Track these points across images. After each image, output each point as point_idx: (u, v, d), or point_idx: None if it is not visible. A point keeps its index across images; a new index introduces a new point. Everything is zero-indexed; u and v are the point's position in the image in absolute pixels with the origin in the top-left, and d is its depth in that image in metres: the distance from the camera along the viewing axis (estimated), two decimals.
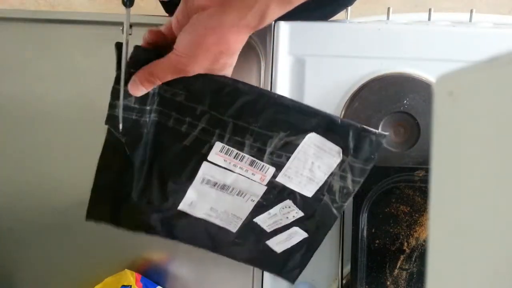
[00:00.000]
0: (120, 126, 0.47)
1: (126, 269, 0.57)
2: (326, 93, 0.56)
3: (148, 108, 0.48)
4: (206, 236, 0.55)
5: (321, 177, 0.50)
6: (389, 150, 0.55)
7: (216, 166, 0.50)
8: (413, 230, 0.53)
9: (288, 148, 0.49)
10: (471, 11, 0.60)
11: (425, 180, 0.52)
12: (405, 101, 0.55)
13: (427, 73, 0.55)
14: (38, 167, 0.59)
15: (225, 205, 0.52)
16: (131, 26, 0.45)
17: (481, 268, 0.20)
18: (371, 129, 0.49)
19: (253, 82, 0.57)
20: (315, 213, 0.52)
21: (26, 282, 0.60)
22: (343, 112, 0.55)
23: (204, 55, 0.43)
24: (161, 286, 0.58)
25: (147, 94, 0.46)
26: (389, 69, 0.55)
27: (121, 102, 0.46)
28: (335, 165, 0.50)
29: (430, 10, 0.61)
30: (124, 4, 0.44)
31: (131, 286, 0.54)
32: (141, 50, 0.46)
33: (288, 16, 0.55)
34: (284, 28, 0.56)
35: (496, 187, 0.19)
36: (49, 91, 0.59)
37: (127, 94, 0.46)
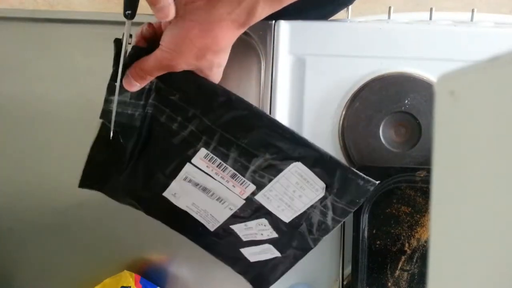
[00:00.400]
0: (112, 124, 0.48)
1: (125, 270, 0.57)
2: (327, 93, 0.56)
3: (142, 103, 0.48)
4: (188, 227, 0.56)
5: (300, 207, 0.50)
6: (390, 150, 0.55)
7: (198, 170, 0.50)
8: (414, 231, 0.53)
9: (272, 171, 0.49)
10: (472, 11, 0.60)
11: (426, 181, 0.52)
12: (406, 101, 0.54)
13: (428, 73, 0.55)
14: (38, 167, 0.59)
15: (206, 205, 0.53)
16: (131, 35, 0.45)
17: (482, 269, 0.20)
18: (360, 173, 0.48)
19: (253, 82, 0.56)
20: (289, 238, 0.53)
21: (25, 283, 0.60)
22: (343, 112, 0.55)
23: (188, 49, 0.42)
24: (160, 287, 0.58)
25: (142, 90, 0.47)
26: (390, 69, 0.55)
27: (114, 108, 0.47)
28: (316, 199, 0.49)
29: (431, 9, 0.61)
30: (126, 16, 0.44)
31: (130, 287, 0.54)
32: (138, 49, 0.46)
33: (288, 15, 0.55)
34: (284, 28, 0.56)
35: (498, 187, 0.19)
36: (48, 90, 0.58)
37: (123, 90, 0.47)
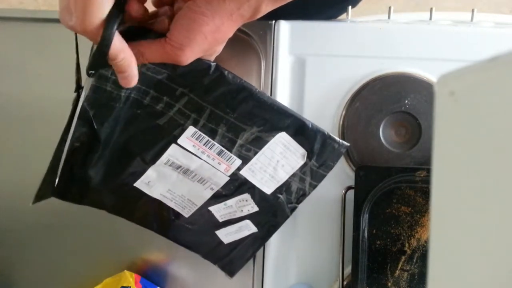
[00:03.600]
0: (83, 94, 0.45)
1: (125, 270, 0.57)
2: (327, 93, 0.56)
3: None
4: (155, 217, 0.55)
5: (282, 176, 0.52)
6: (390, 150, 0.55)
7: (184, 150, 0.50)
8: (414, 231, 0.53)
9: (258, 144, 0.50)
10: (473, 11, 0.60)
11: (426, 181, 0.52)
12: (406, 101, 0.54)
13: (429, 73, 0.55)
14: (37, 167, 0.59)
15: (184, 189, 0.53)
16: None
17: (482, 269, 0.20)
18: (336, 138, 0.51)
19: (253, 82, 0.57)
20: (269, 210, 0.54)
21: (25, 283, 0.60)
22: (343, 112, 0.55)
23: (201, 43, 0.42)
24: (160, 287, 0.58)
25: None
26: (390, 69, 0.55)
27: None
28: (298, 167, 0.52)
29: (431, 9, 0.61)
30: (88, 75, 0.42)
31: (130, 287, 0.54)
32: (132, 29, 0.43)
33: (291, 19, 0.55)
34: (285, 28, 0.56)
35: (498, 187, 0.19)
36: (48, 90, 0.58)
37: (106, 64, 0.42)
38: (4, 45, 0.59)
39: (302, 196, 0.54)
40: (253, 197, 0.53)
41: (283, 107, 0.50)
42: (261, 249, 0.57)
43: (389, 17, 0.61)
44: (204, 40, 0.42)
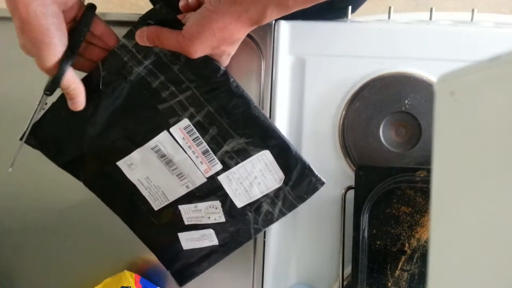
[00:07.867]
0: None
1: (125, 270, 0.57)
2: (327, 93, 0.56)
3: (140, 58, 0.49)
4: (126, 204, 0.55)
5: (256, 194, 0.53)
6: (390, 150, 0.55)
7: (173, 140, 0.52)
8: (415, 231, 0.53)
9: (242, 155, 0.52)
10: (473, 11, 0.60)
11: (426, 181, 0.52)
12: (406, 101, 0.54)
13: (429, 73, 0.55)
14: (37, 167, 0.59)
15: (161, 181, 0.54)
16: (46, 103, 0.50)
17: (482, 269, 0.20)
18: (315, 172, 0.52)
19: (253, 82, 0.56)
20: (234, 225, 0.54)
21: (25, 283, 0.60)
22: (343, 112, 0.55)
23: (209, 39, 0.45)
24: (160, 287, 0.58)
25: (147, 47, 0.49)
26: (390, 69, 0.55)
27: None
28: (272, 188, 0.53)
29: (431, 9, 0.61)
30: (45, 94, 0.48)
31: (130, 287, 0.54)
32: (165, 8, 0.48)
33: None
34: (285, 28, 0.56)
35: (497, 187, 0.19)
36: None
37: (131, 35, 0.49)
38: (4, 45, 0.59)
39: (269, 220, 0.54)
40: (223, 206, 0.54)
41: (273, 127, 0.52)
42: (261, 249, 0.57)
43: (389, 17, 0.61)
44: (212, 36, 0.45)
